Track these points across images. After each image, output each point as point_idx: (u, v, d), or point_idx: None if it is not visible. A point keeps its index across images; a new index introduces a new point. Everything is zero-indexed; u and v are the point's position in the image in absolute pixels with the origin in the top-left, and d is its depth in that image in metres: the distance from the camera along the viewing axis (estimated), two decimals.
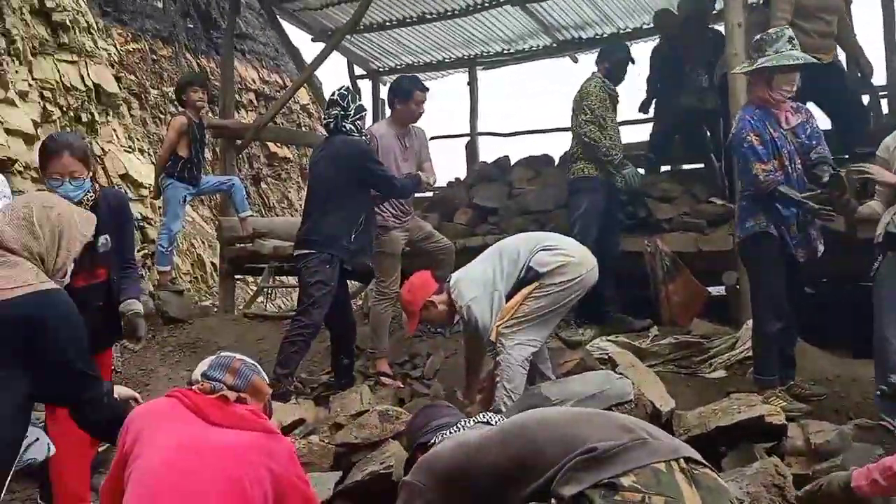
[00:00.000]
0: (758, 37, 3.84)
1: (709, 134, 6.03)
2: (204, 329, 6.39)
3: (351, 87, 4.66)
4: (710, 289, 5.16)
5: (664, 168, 6.50)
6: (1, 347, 1.88)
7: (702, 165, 6.24)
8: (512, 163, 6.70)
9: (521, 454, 1.84)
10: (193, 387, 2.03)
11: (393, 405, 3.77)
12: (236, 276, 7.95)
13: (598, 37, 7.85)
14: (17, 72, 8.12)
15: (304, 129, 13.83)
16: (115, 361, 4.03)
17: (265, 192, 13.80)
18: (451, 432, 2.24)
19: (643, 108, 6.42)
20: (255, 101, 13.72)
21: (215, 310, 7.43)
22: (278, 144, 13.33)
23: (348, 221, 4.32)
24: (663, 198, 5.71)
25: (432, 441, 2.26)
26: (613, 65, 5.39)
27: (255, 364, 2.19)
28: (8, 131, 7.73)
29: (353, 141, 4.44)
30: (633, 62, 5.51)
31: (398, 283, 4.82)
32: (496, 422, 2.27)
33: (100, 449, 3.67)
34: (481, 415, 2.35)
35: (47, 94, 8.60)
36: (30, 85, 8.34)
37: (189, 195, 6.56)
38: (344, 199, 4.34)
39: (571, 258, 3.69)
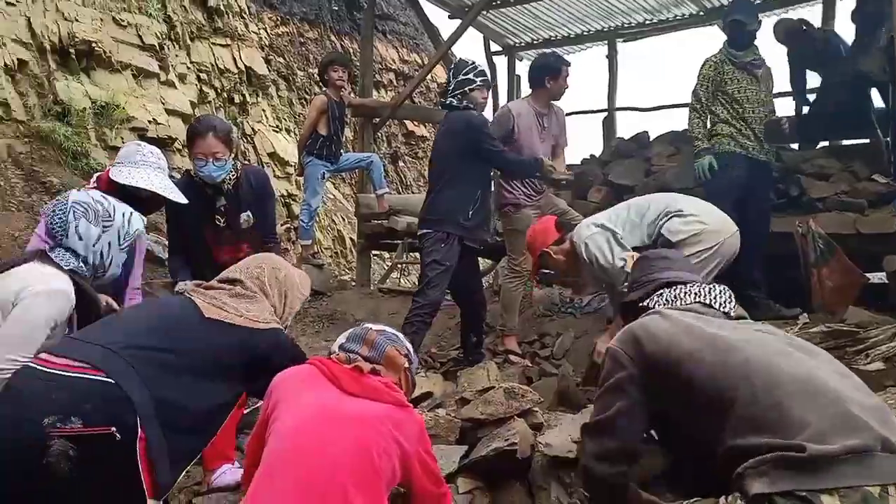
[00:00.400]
0: None
1: (881, 104, 5.43)
2: (341, 302, 6.65)
3: (463, 61, 4.47)
4: (868, 274, 4.72)
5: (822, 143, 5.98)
6: (238, 360, 2.17)
7: (866, 140, 5.68)
8: (651, 138, 6.43)
9: (734, 393, 1.66)
10: (331, 356, 2.11)
11: (520, 383, 3.74)
12: (372, 252, 8.18)
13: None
14: (177, 55, 8.75)
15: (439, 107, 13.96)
16: None
17: (402, 170, 14.10)
18: (669, 296, 2.08)
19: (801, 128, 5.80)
20: (394, 81, 14.00)
21: (352, 284, 7.70)
22: (416, 123, 13.55)
23: (464, 197, 4.28)
24: (819, 175, 5.27)
25: (647, 304, 2.11)
26: (729, 29, 4.92)
27: (396, 334, 2.23)
28: (168, 111, 8.35)
29: (465, 115, 4.34)
30: (746, 22, 4.84)
31: (530, 261, 4.77)
32: (721, 304, 2.04)
33: (245, 411, 3.91)
34: (708, 290, 2.10)
35: (203, 76, 9.20)
36: (188, 68, 8.96)
37: (328, 172, 6.78)
38: (458, 175, 4.30)
39: (706, 225, 3.50)
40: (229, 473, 3.37)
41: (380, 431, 1.89)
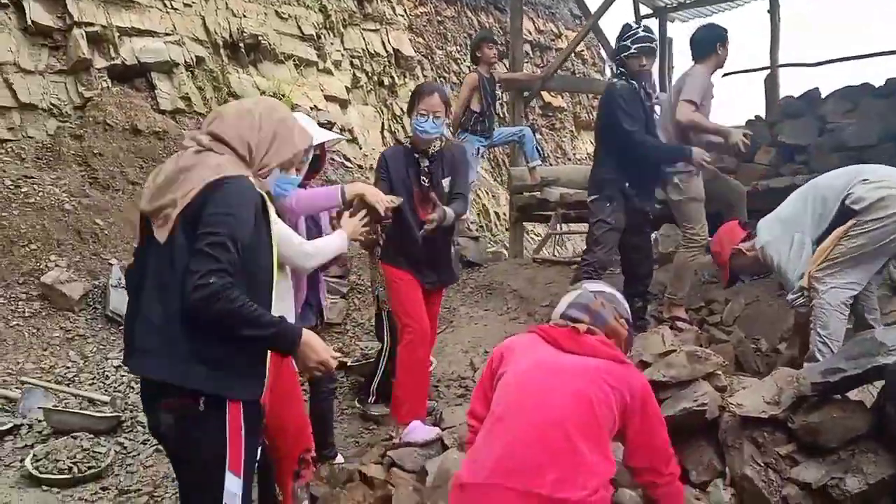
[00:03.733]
0: None
1: None
2: (497, 273, 6.79)
3: (627, 25, 4.42)
4: None
5: None
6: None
7: None
8: (823, 95, 6.05)
9: None
10: (551, 323, 2.28)
11: None
12: (524, 223, 8.27)
13: None
14: (332, 44, 9.19)
15: (577, 75, 13.77)
16: None
17: (539, 142, 14.03)
18: None
19: None
20: (530, 52, 13.92)
21: (505, 255, 7.84)
22: (552, 94, 13.43)
23: (620, 166, 4.35)
24: None
25: None
26: None
27: (614, 295, 2.35)
28: (326, 97, 8.81)
29: (609, 85, 4.43)
30: None
31: (706, 228, 4.69)
32: None
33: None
34: None
35: (356, 61, 9.60)
36: (342, 55, 9.38)
37: (483, 147, 6.93)
38: (609, 145, 4.40)
39: (892, 190, 3.32)
40: (419, 430, 3.63)
41: (597, 383, 2.03)
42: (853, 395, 2.76)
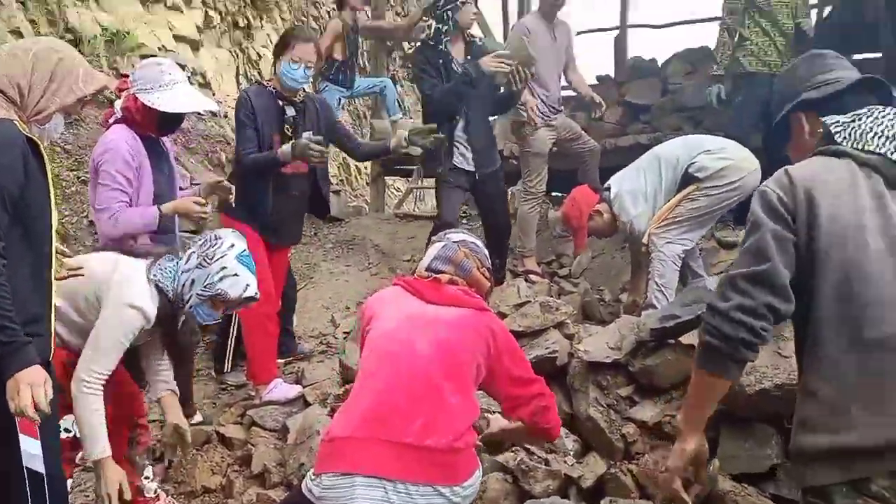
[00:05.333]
0: None
1: None
2: (359, 228, 6.75)
3: None
4: None
5: None
6: None
7: (878, 54, 5.63)
8: (668, 57, 6.40)
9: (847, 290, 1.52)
10: (415, 275, 2.33)
11: None
12: (386, 178, 8.23)
13: None
14: None
15: None
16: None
17: (401, 94, 13.88)
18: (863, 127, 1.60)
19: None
20: (391, 0, 13.66)
21: (366, 210, 7.80)
22: (413, 45, 13.25)
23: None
24: None
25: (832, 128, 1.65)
26: None
27: (476, 244, 2.37)
28: (176, 38, 8.25)
29: None
30: None
31: (545, 183, 4.88)
32: None
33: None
34: None
35: (208, 0, 9.02)
36: None
37: (343, 98, 6.80)
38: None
39: (731, 161, 3.67)
40: (281, 388, 3.60)
41: (460, 331, 2.11)
42: (686, 339, 3.02)
